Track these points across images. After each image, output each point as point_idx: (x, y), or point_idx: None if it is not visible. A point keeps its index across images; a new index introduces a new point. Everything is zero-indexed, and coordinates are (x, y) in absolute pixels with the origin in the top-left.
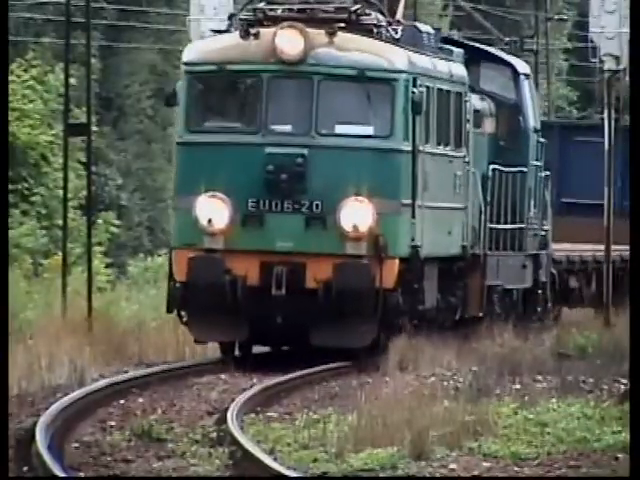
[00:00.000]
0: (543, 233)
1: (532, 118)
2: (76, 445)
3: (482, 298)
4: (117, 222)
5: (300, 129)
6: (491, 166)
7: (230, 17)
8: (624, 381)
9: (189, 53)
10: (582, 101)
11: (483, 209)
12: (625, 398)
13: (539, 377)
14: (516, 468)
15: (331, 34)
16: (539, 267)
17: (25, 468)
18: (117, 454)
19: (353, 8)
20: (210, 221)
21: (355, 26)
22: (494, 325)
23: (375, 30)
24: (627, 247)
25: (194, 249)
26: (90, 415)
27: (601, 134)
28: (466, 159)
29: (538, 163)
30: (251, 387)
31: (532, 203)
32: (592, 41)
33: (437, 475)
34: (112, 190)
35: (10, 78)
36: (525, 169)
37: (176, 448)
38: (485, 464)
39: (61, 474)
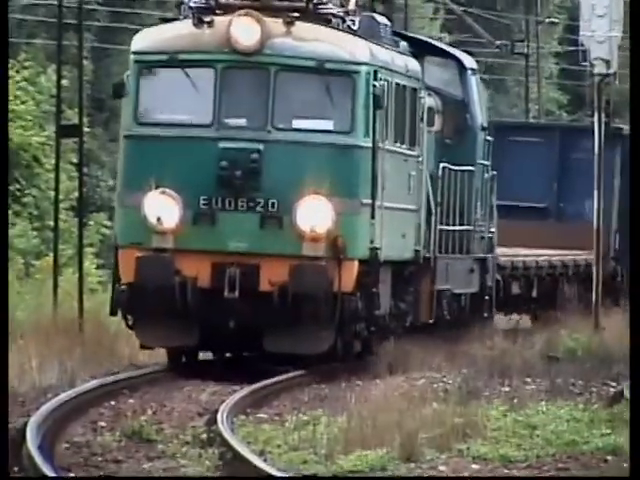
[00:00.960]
0: (490, 236)
1: (479, 115)
2: (67, 445)
3: (432, 303)
4: (108, 223)
5: (255, 123)
6: (441, 165)
7: (179, 5)
8: (613, 384)
9: (138, 42)
10: (572, 105)
11: (433, 210)
12: (615, 401)
13: (528, 380)
14: (505, 470)
15: (289, 23)
16: (486, 271)
17: (16, 468)
18: (108, 454)
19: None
20: (159, 219)
21: (312, 15)
22: (484, 328)
23: (333, 20)
24: (570, 252)
25: (142, 248)
26: (81, 416)
27: (536, 134)
28: (419, 158)
29: (485, 162)
30: (241, 389)
31: (479, 204)
32: (582, 45)
33: (426, 476)
34: (103, 191)
35: None
36: (473, 168)
37: (166, 449)
38: (474, 466)
39: (51, 474)
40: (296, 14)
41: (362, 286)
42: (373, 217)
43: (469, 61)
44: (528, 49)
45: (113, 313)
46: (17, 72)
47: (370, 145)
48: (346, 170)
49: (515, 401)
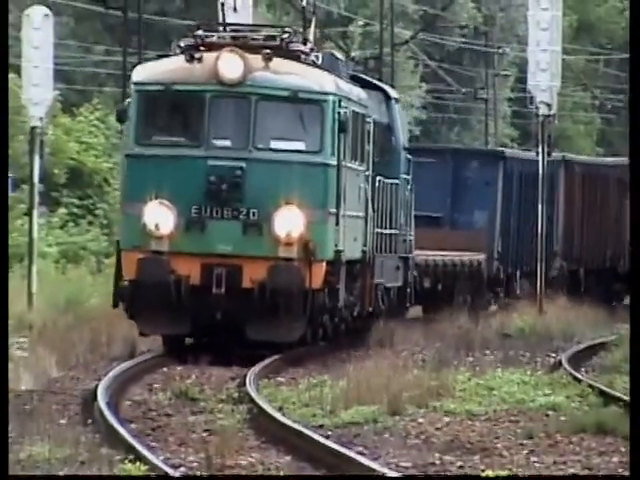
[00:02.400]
0: (410, 238)
1: (401, 137)
2: (128, 403)
3: (372, 295)
4: None
5: (239, 144)
6: (378, 177)
7: (170, 43)
8: (553, 355)
9: (138, 74)
10: (522, 138)
11: (372, 216)
12: (554, 369)
13: (487, 352)
14: (469, 422)
15: (267, 59)
16: (408, 268)
17: (89, 421)
18: (160, 410)
19: (284, 36)
20: (157, 226)
21: (285, 52)
22: (453, 312)
23: (302, 56)
24: (464, 253)
25: (141, 251)
26: (139, 380)
27: (434, 156)
28: (366, 173)
29: (407, 177)
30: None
31: (402, 211)
32: (530, 92)
33: (409, 427)
34: None
35: (79, 118)
36: (398, 181)
37: (206, 405)
38: (445, 419)
39: (118, 426)
40: (272, 51)
41: (328, 283)
42: (337, 224)
43: (393, 92)
44: (487, 95)
45: (115, 305)
46: (91, 113)
47: (335, 163)
48: (316, 184)
49: (477, 368)
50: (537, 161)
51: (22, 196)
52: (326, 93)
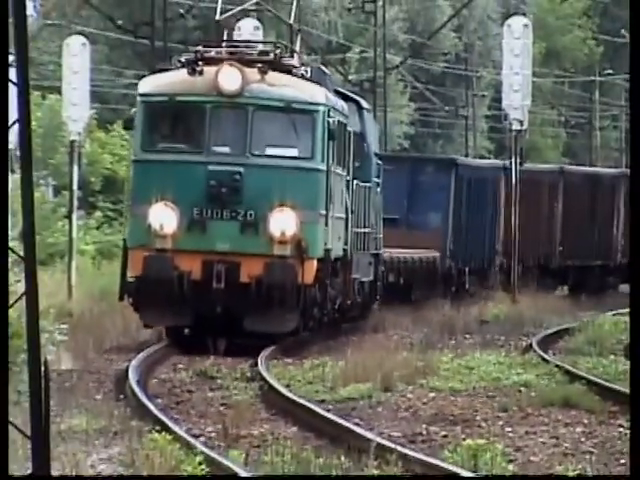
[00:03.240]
0: (380, 237)
1: (373, 144)
2: (156, 380)
3: (350, 289)
4: None
5: (237, 150)
6: (355, 181)
7: (170, 57)
8: (525, 339)
9: (144, 86)
10: (497, 150)
11: (351, 216)
12: (525, 351)
13: (467, 336)
14: (452, 397)
15: (263, 72)
16: (378, 264)
17: (121, 396)
18: (183, 387)
19: (277, 51)
20: (161, 226)
21: (278, 66)
22: (437, 300)
23: (294, 70)
24: (417, 250)
25: (147, 249)
26: (165, 360)
27: (393, 163)
28: (347, 178)
29: (377, 180)
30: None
31: (373, 212)
32: (504, 110)
33: (399, 401)
34: None
35: (112, 133)
36: (370, 185)
37: (223, 383)
38: (431, 394)
39: (146, 401)
40: (267, 65)
41: (319, 279)
42: (327, 225)
43: (364, 103)
44: (468, 112)
45: (121, 299)
46: (123, 128)
47: (325, 168)
48: (307, 188)
49: (458, 351)
50: (485, 167)
51: (63, 201)
52: (317, 104)
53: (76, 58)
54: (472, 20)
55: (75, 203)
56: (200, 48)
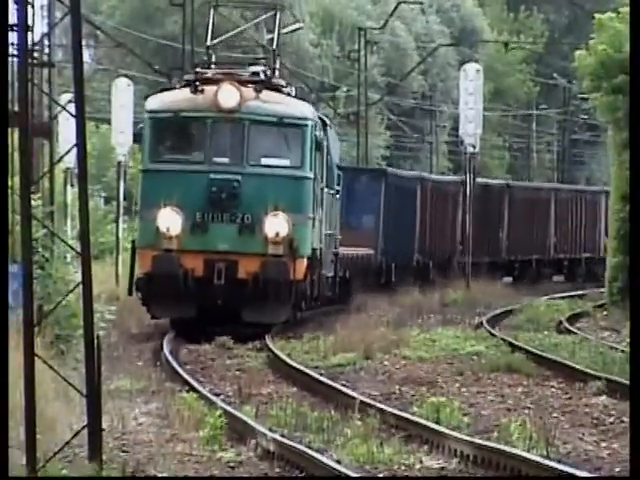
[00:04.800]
0: (339, 237)
1: (336, 156)
2: (185, 351)
3: (321, 283)
4: None
5: (235, 160)
6: (325, 189)
7: (170, 79)
8: (477, 318)
9: (151, 103)
10: (455, 169)
11: (324, 218)
12: (477, 327)
13: (432, 316)
14: (419, 364)
15: (258, 91)
16: (337, 261)
17: (158, 363)
18: (207, 355)
19: (267, 72)
20: (168, 228)
21: (269, 85)
22: (406, 288)
23: (283, 89)
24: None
25: (155, 249)
26: (192, 336)
27: (361, 176)
28: (321, 185)
29: (338, 189)
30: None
31: (335, 216)
32: (460, 137)
33: (377, 367)
34: None
35: None
36: (333, 191)
37: (238, 353)
38: (402, 361)
39: (177, 367)
40: (261, 84)
41: (307, 274)
42: (314, 227)
43: (327, 120)
44: (431, 139)
45: (130, 293)
46: None
47: (312, 176)
48: (298, 194)
49: (424, 327)
50: (408, 177)
51: (111, 209)
52: (306, 119)
53: (122, 96)
54: (435, 66)
55: (121, 211)
56: (199, 70)
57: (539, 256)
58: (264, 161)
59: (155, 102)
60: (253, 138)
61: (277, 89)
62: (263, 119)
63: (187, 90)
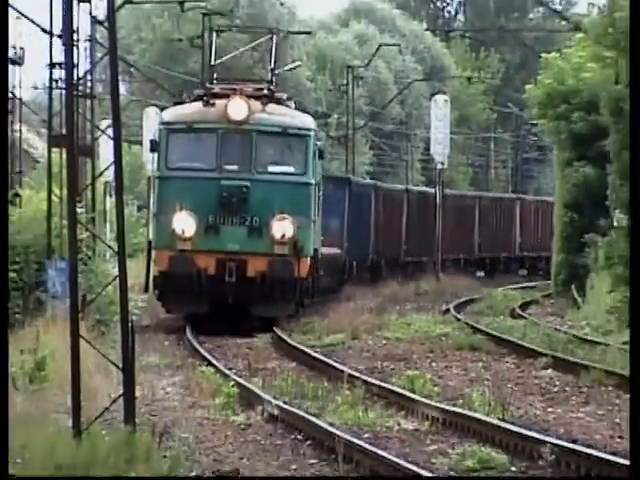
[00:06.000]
0: (322, 238)
1: (318, 165)
2: (203, 334)
3: (319, 280)
4: None
5: (244, 168)
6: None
7: (181, 94)
8: (445, 306)
9: (166, 116)
10: (427, 182)
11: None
12: (445, 313)
13: (407, 304)
14: (397, 343)
15: (264, 104)
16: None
17: (181, 342)
18: (222, 336)
19: (271, 87)
20: (183, 231)
21: (272, 99)
22: (385, 281)
23: (285, 102)
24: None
25: (171, 249)
26: (210, 319)
27: (329, 183)
28: (320, 192)
29: (319, 194)
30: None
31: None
32: (432, 156)
33: (363, 346)
34: None
35: None
36: (319, 195)
37: (247, 334)
38: (384, 341)
39: (197, 346)
40: (266, 98)
41: (310, 273)
42: (315, 229)
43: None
44: (407, 158)
45: (146, 290)
46: None
47: (314, 182)
48: (301, 198)
49: (402, 313)
50: (366, 185)
51: (143, 215)
52: (308, 129)
53: (152, 122)
54: (410, 97)
55: (151, 217)
56: (208, 85)
57: (506, 254)
58: (270, 168)
59: (170, 114)
60: (260, 147)
61: (280, 102)
62: (269, 130)
63: (199, 104)
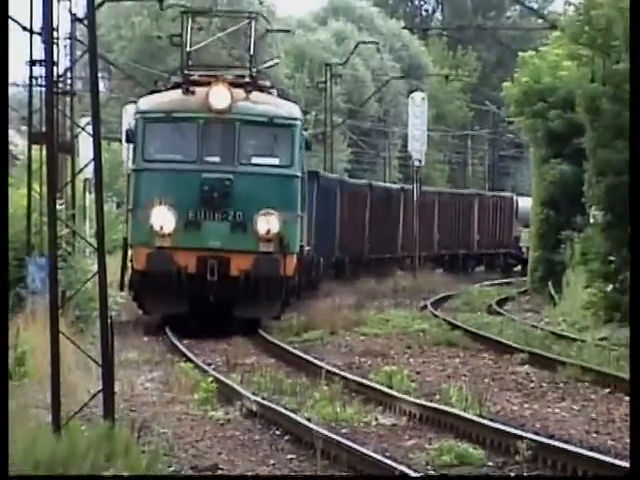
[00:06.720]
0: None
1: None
2: (183, 328)
3: (300, 277)
4: None
5: (227, 160)
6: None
7: (156, 82)
8: (422, 302)
9: (143, 104)
10: (405, 179)
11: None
12: (422, 309)
13: (386, 300)
14: (375, 339)
15: (248, 92)
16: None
17: (160, 339)
18: (200, 332)
19: (254, 75)
20: (161, 227)
21: (256, 87)
22: (361, 279)
23: (270, 90)
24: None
25: (149, 246)
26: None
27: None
28: (303, 182)
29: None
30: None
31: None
32: (409, 153)
33: (341, 342)
34: None
35: None
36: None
37: (226, 330)
38: (361, 337)
39: (177, 342)
40: (250, 85)
41: (297, 270)
42: (302, 225)
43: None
44: (385, 155)
45: (122, 289)
46: None
47: (301, 175)
48: (288, 192)
49: (379, 309)
50: (333, 180)
51: (122, 212)
52: (295, 119)
53: (131, 119)
54: (388, 95)
55: (126, 212)
56: (187, 72)
57: (465, 251)
58: (255, 160)
59: (147, 103)
60: (244, 138)
61: (263, 90)
62: (254, 119)
63: (178, 91)
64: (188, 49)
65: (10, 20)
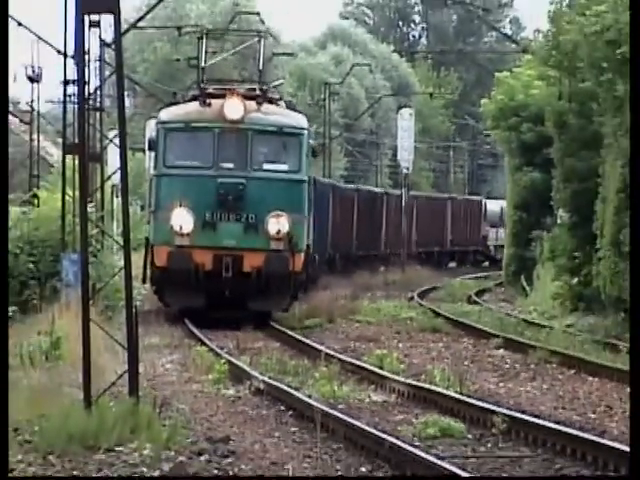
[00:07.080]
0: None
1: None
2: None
3: (308, 273)
4: None
5: (240, 166)
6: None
7: (174, 94)
8: (410, 293)
9: (164, 115)
10: (394, 185)
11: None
12: (410, 300)
13: (378, 292)
14: (368, 326)
15: (259, 104)
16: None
17: (178, 325)
18: (215, 320)
19: (264, 88)
20: (181, 227)
21: (266, 99)
22: (356, 273)
23: (279, 102)
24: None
25: (169, 245)
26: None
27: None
28: (309, 186)
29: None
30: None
31: None
32: (398, 161)
33: (338, 328)
34: None
35: None
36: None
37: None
38: (356, 324)
39: (193, 328)
40: (261, 98)
41: (304, 267)
42: (308, 225)
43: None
44: (377, 163)
45: (144, 282)
46: None
47: (307, 179)
48: (296, 195)
49: (372, 300)
50: (326, 184)
51: (145, 214)
52: (302, 128)
53: (153, 131)
54: (380, 110)
55: (148, 214)
56: (203, 85)
57: (439, 248)
58: (266, 166)
59: (167, 114)
60: (256, 146)
61: (273, 102)
62: (265, 129)
63: (195, 103)
64: (203, 65)
65: (47, 45)
